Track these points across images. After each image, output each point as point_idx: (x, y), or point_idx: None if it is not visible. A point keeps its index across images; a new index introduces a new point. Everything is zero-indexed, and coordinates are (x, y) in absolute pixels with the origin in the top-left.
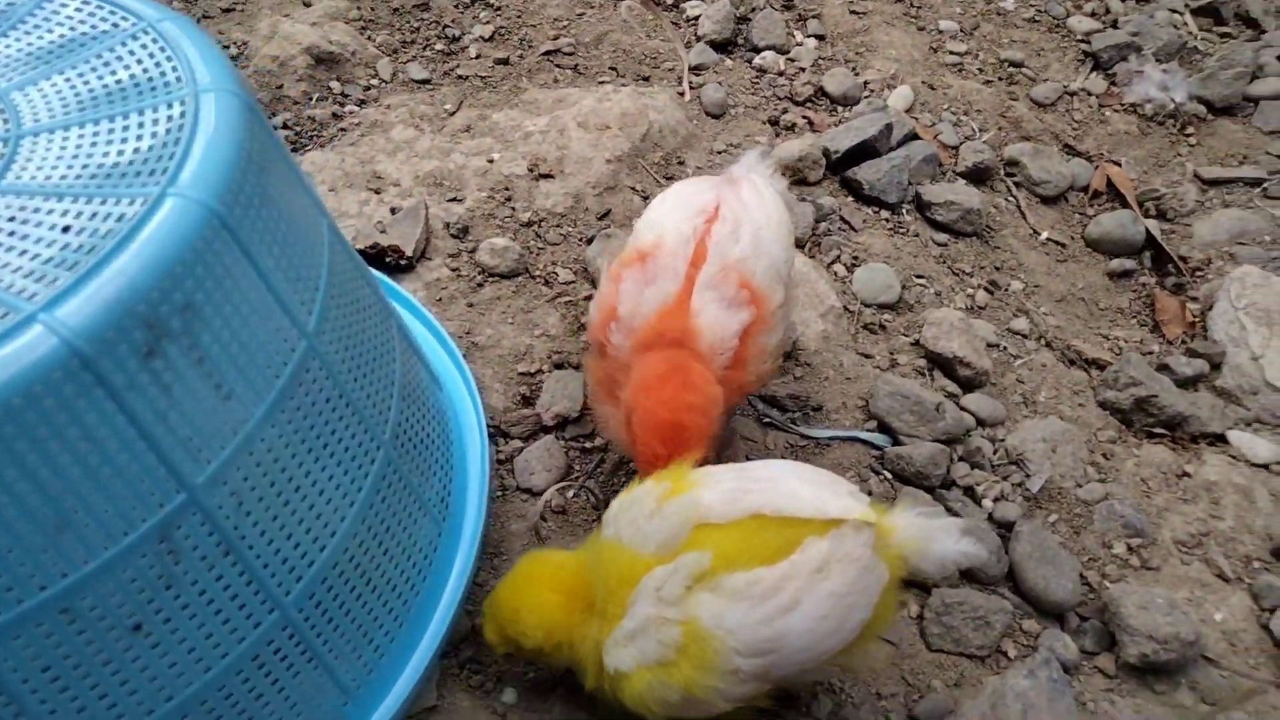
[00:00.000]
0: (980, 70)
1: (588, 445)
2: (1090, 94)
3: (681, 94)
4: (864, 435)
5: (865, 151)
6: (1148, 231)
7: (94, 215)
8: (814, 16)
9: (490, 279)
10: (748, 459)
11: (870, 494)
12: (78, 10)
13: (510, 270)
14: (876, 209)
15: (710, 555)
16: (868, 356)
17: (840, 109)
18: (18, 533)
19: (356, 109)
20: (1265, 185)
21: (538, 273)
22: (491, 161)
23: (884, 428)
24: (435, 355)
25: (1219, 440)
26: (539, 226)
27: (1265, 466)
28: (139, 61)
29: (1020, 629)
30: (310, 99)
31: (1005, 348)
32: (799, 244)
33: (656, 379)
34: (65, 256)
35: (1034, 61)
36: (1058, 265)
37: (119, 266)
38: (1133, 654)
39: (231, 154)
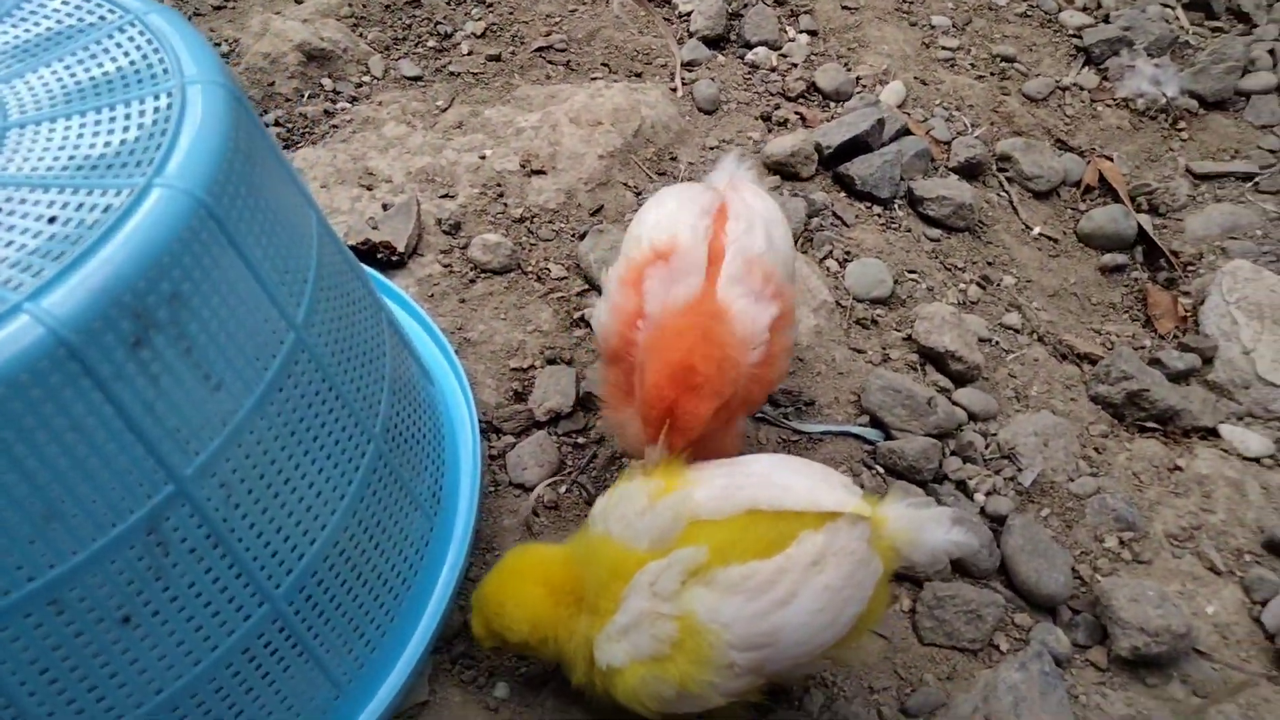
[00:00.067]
0: (972, 65)
1: (580, 441)
2: (1082, 89)
3: (674, 90)
4: (856, 430)
5: (857, 147)
6: (1139, 226)
7: (80, 206)
8: (806, 12)
9: (482, 275)
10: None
11: (863, 488)
12: (64, 3)
13: (502, 266)
14: (869, 204)
15: (705, 550)
16: (860, 351)
17: (832, 104)
18: (5, 523)
19: (348, 106)
20: (1257, 180)
21: (530, 269)
22: (483, 158)
23: (876, 422)
24: (427, 351)
25: (1211, 434)
26: (531, 222)
27: (1257, 460)
28: (126, 54)
29: (1012, 622)
30: (302, 96)
31: (997, 342)
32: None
33: (673, 332)
34: (51, 247)
35: (1026, 56)
36: (1050, 260)
37: (105, 256)
38: (1124, 647)
39: (219, 145)
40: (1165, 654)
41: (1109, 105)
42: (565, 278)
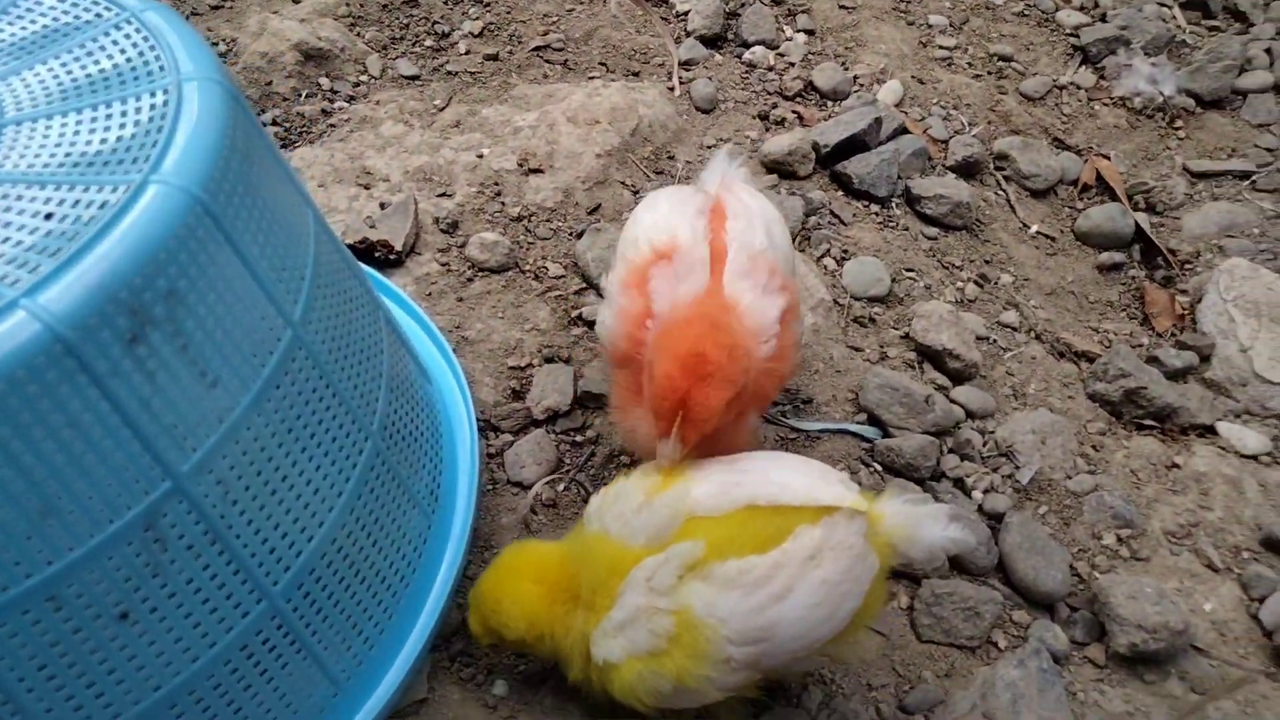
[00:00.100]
0: (969, 65)
1: (578, 439)
2: (1079, 88)
3: (671, 89)
4: (854, 428)
5: (855, 145)
6: (1137, 224)
7: (76, 202)
8: (803, 11)
9: (480, 273)
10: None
11: (860, 486)
12: (61, 0)
13: (500, 265)
14: (866, 203)
15: (703, 544)
16: (857, 349)
17: (830, 104)
18: (2, 519)
19: (346, 105)
20: (1254, 178)
21: (528, 267)
22: (481, 157)
23: (874, 420)
24: (425, 349)
25: (1208, 431)
26: (529, 221)
27: (1254, 457)
28: (122, 51)
29: (1010, 620)
30: (299, 95)
31: (995, 340)
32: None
33: (681, 323)
34: (48, 243)
35: (1023, 56)
36: (1047, 258)
37: (101, 253)
38: (1122, 644)
39: (215, 142)
40: (1163, 651)
41: (1106, 104)
42: (563, 276)
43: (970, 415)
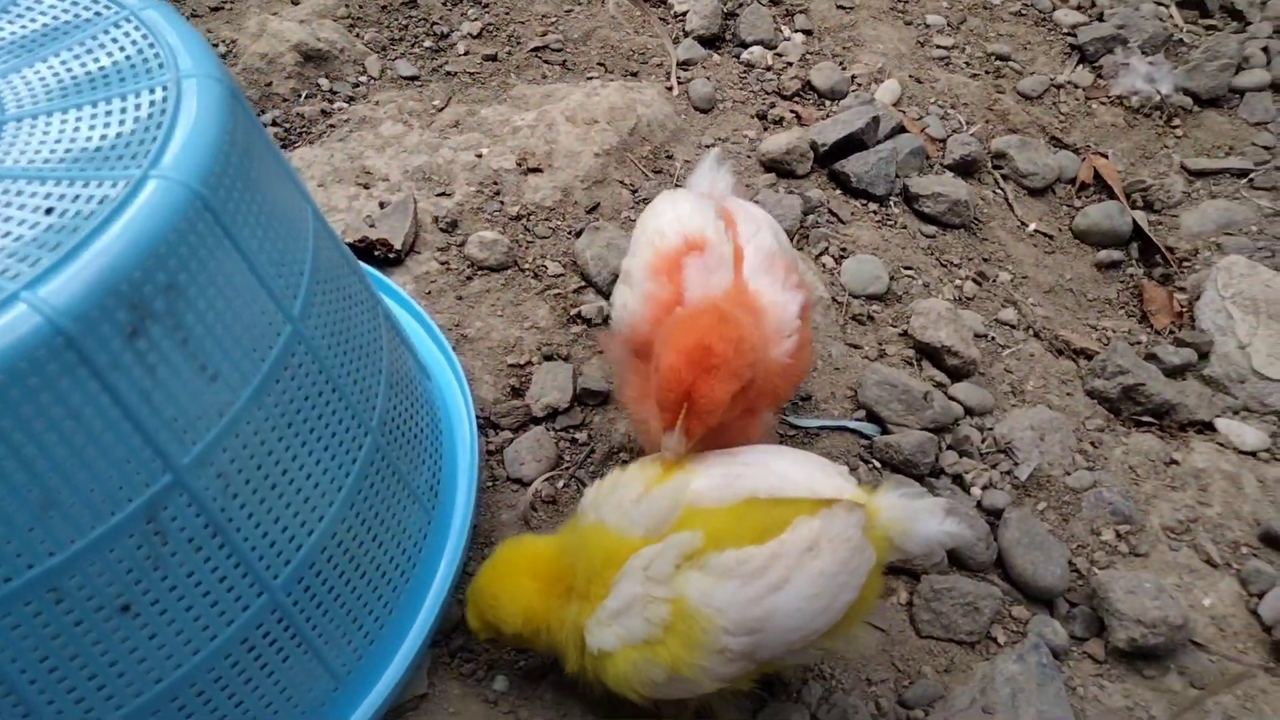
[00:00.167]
0: (967, 64)
1: (577, 436)
2: (1077, 86)
3: (669, 89)
4: (853, 424)
5: (853, 144)
6: (1135, 222)
7: (76, 197)
8: (801, 12)
9: (479, 272)
10: None
11: (859, 482)
12: None
13: (499, 263)
14: (864, 201)
15: (701, 534)
16: (856, 347)
17: (828, 103)
18: (4, 510)
19: (345, 105)
20: (1251, 176)
21: (527, 266)
22: (480, 156)
23: (872, 417)
24: (425, 347)
25: (1207, 428)
26: (528, 220)
27: (1253, 454)
28: (121, 48)
29: (1009, 615)
30: (299, 96)
31: (993, 338)
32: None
33: (689, 316)
34: (48, 237)
35: (1020, 55)
36: (1045, 256)
37: (101, 246)
38: (1121, 638)
39: (214, 138)
40: (1162, 646)
41: (1103, 103)
42: (562, 275)
43: (969, 412)
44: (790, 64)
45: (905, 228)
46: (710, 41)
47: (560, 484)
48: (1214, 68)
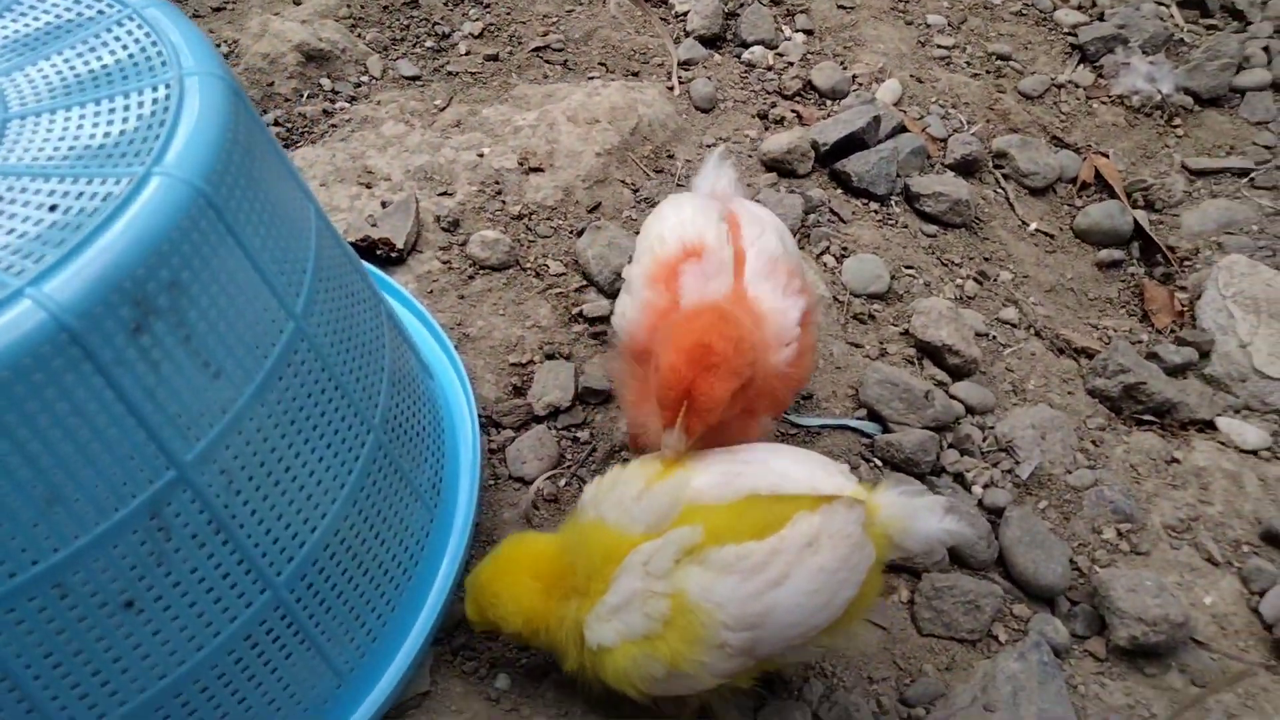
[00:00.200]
0: (968, 64)
1: (579, 435)
2: (1078, 86)
3: (671, 89)
4: (854, 423)
5: (853, 144)
6: (1136, 222)
7: (80, 194)
8: (802, 11)
9: (481, 271)
10: None
11: (860, 480)
12: None
13: (501, 263)
14: (865, 201)
15: (701, 529)
16: (857, 346)
17: (829, 103)
18: (9, 506)
19: (347, 105)
20: (1252, 175)
21: (528, 265)
22: (481, 156)
23: (874, 416)
24: (427, 346)
25: (1208, 427)
26: (529, 219)
27: (1254, 453)
28: (124, 47)
29: (1011, 613)
30: (301, 96)
31: (994, 337)
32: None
33: (689, 315)
34: (52, 234)
35: (1021, 55)
36: (1046, 256)
37: (105, 243)
38: (1122, 636)
39: (217, 135)
40: (1163, 643)
41: (1104, 102)
42: (563, 274)
43: (970, 411)
44: (791, 64)
45: (906, 227)
46: (711, 41)
47: (562, 483)
48: (1215, 67)
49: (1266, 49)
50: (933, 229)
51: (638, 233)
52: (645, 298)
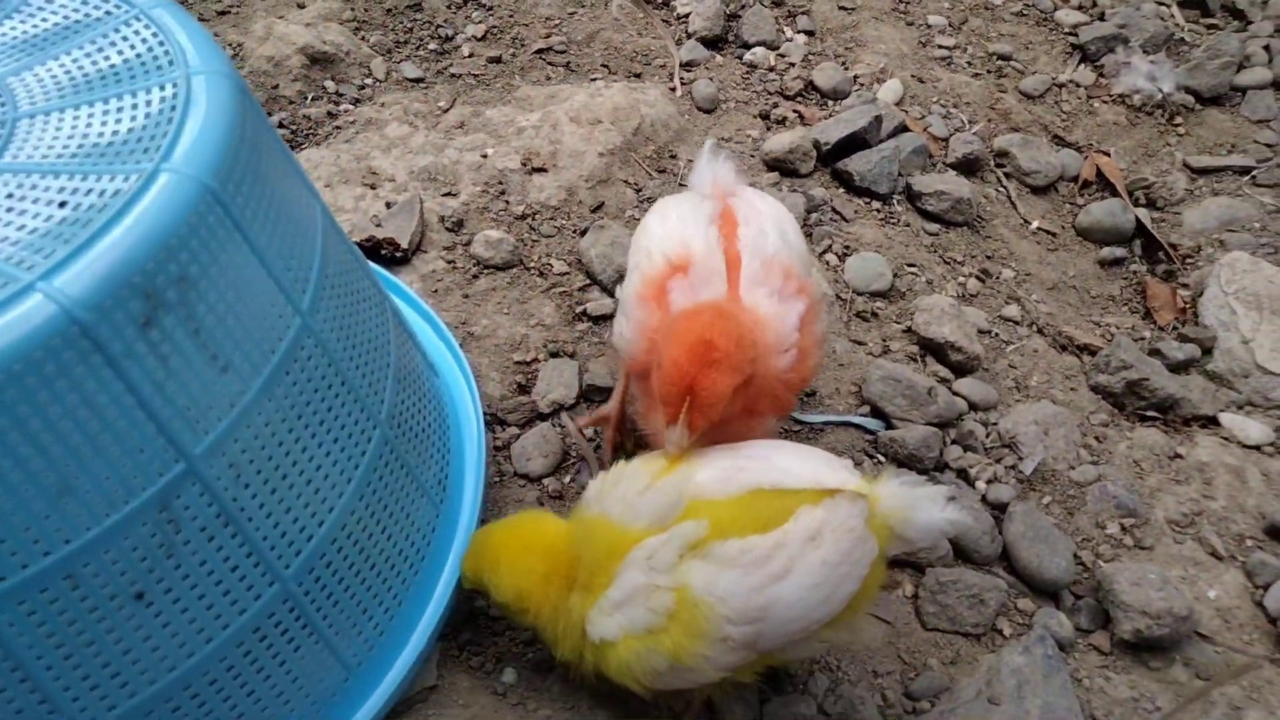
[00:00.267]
0: (969, 64)
1: (583, 432)
2: (1079, 85)
3: (673, 89)
4: (857, 420)
5: (855, 143)
6: (1138, 220)
7: (89, 191)
8: (803, 13)
9: (485, 271)
10: None
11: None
12: None
13: (505, 262)
14: (867, 199)
15: (705, 523)
16: (860, 343)
17: (830, 103)
18: (21, 497)
19: (351, 107)
20: (1254, 173)
21: (532, 264)
22: (485, 156)
23: (877, 412)
24: (432, 345)
25: (1211, 422)
26: (533, 219)
27: (1257, 448)
28: (132, 46)
29: (1015, 607)
30: (305, 98)
31: (997, 334)
32: None
33: (690, 313)
34: (62, 230)
35: (1022, 54)
36: (1048, 254)
37: (114, 239)
38: (1126, 630)
39: (224, 133)
40: (1167, 637)
41: (1105, 101)
42: (567, 273)
43: (973, 407)
44: (793, 64)
45: (908, 225)
46: (713, 43)
47: (567, 479)
48: (1215, 66)
49: (1267, 48)
50: (935, 227)
51: None
52: (638, 318)
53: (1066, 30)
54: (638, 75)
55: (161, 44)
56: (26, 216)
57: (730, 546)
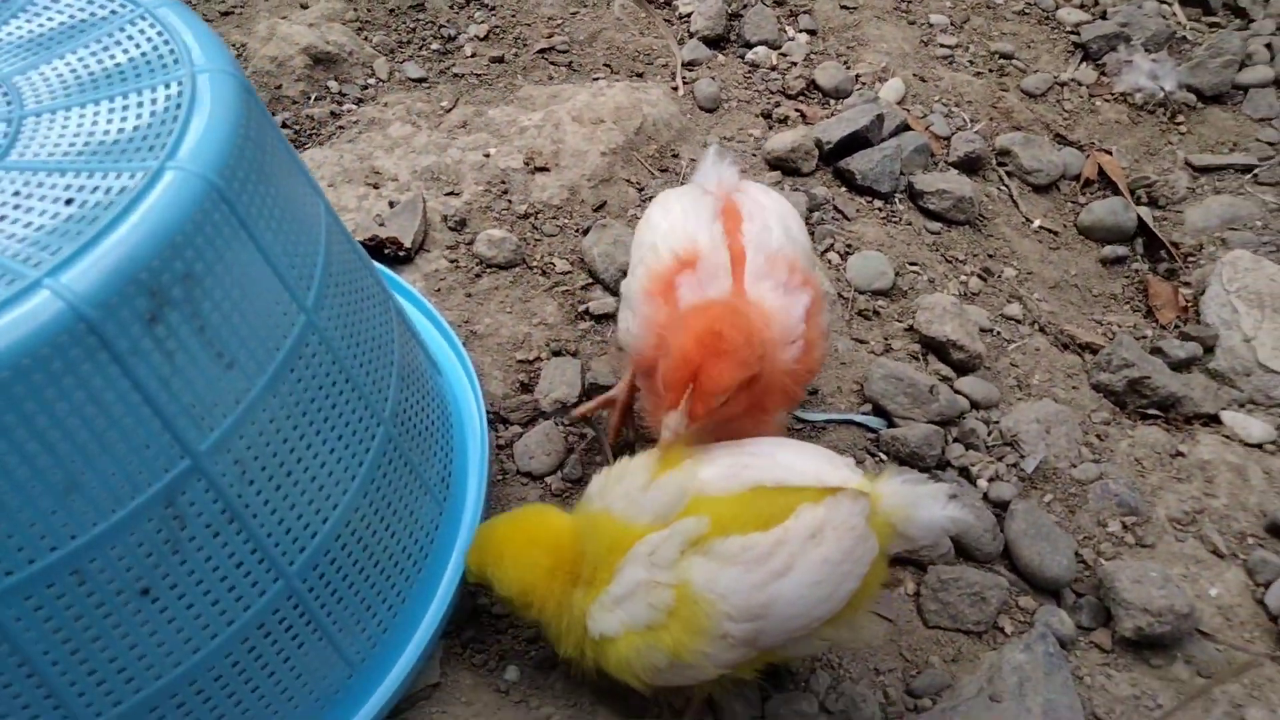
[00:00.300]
0: (971, 63)
1: (586, 431)
2: (1080, 84)
3: (675, 89)
4: (859, 418)
5: (857, 142)
6: (1139, 218)
7: (95, 188)
8: (805, 12)
9: (488, 270)
10: None
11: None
12: None
13: (508, 261)
14: (869, 198)
15: (707, 520)
16: (862, 342)
17: (832, 102)
18: (28, 493)
19: (354, 107)
20: (1255, 172)
21: (535, 263)
22: (488, 156)
23: (879, 411)
24: (435, 343)
25: (1212, 421)
26: (535, 218)
27: (1259, 446)
28: (137, 45)
29: (1016, 605)
30: (309, 98)
31: (999, 332)
32: None
33: (702, 306)
34: (69, 227)
35: (1024, 53)
36: (1050, 252)
37: (121, 236)
38: (1128, 627)
39: (228, 131)
40: (1169, 634)
41: (1107, 100)
42: (570, 272)
43: (975, 405)
44: (795, 64)
45: (910, 224)
46: (715, 42)
47: (566, 469)
48: (1217, 64)
49: (1269, 46)
50: (936, 226)
51: None
52: (645, 313)
53: (1068, 29)
54: (640, 75)
55: (167, 43)
56: (33, 214)
57: (731, 543)
